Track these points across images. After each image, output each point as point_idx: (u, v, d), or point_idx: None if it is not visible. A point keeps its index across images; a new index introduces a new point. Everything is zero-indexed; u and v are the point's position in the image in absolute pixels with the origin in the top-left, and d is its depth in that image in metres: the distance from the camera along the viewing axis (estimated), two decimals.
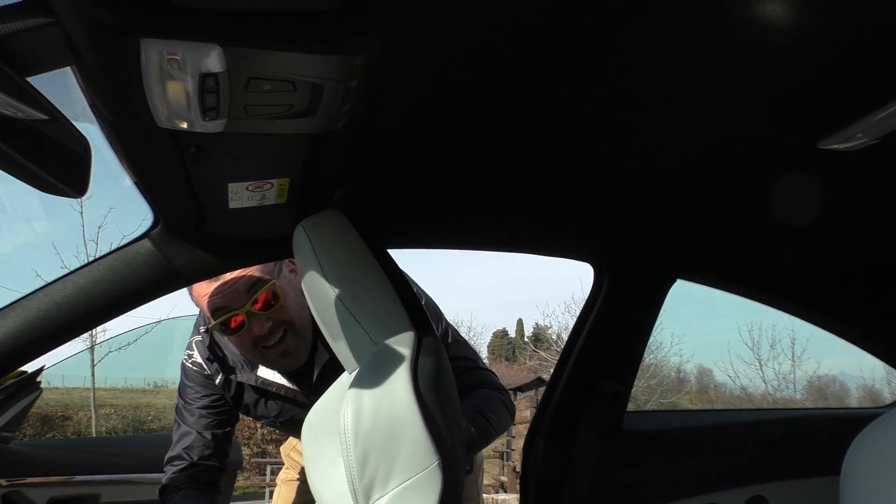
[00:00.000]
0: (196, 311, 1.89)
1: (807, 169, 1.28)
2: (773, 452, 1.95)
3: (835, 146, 1.11)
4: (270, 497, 10.07)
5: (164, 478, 1.83)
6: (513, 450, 12.84)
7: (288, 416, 1.92)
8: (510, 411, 1.85)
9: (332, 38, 0.74)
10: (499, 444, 14.76)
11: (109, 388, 19.21)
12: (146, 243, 1.33)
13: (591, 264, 1.84)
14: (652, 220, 1.62)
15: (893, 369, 2.15)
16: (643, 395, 19.81)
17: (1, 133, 0.75)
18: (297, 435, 1.90)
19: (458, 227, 1.62)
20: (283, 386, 1.86)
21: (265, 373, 1.85)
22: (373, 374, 1.07)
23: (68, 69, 0.81)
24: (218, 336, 1.84)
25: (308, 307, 1.76)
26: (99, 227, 17.27)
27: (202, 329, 1.88)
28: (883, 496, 1.04)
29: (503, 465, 13.45)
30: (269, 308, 1.69)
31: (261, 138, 0.93)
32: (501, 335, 46.35)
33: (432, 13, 0.85)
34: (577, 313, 1.91)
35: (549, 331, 27.86)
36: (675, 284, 1.87)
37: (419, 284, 1.86)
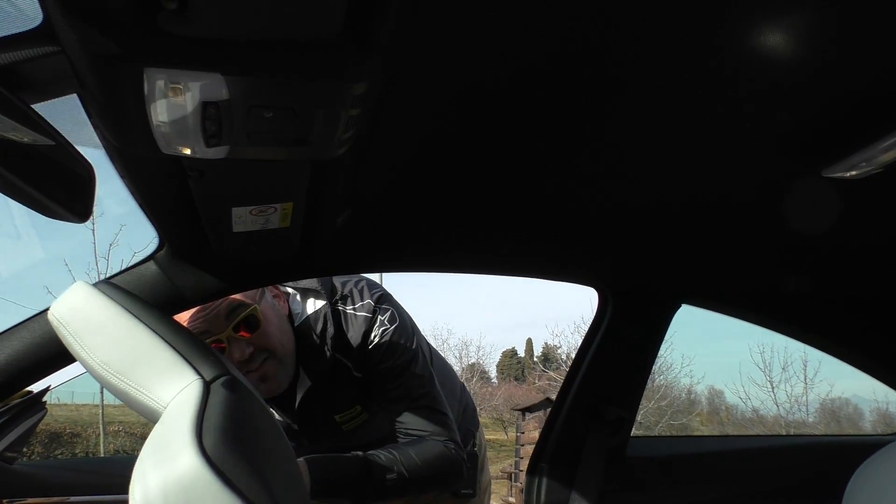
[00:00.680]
0: None
1: (811, 196, 1.28)
2: (780, 479, 1.93)
3: (839, 175, 1.11)
4: None
5: None
6: (521, 470, 12.72)
7: None
8: (451, 465, 1.76)
9: (333, 67, 0.75)
10: (507, 464, 14.65)
11: (118, 405, 19.18)
12: (151, 265, 1.34)
13: (595, 289, 1.84)
14: (657, 246, 1.61)
15: None
16: (653, 417, 19.65)
17: (5, 159, 0.76)
18: None
19: (463, 252, 1.62)
20: None
21: None
22: (155, 442, 0.93)
23: (74, 95, 0.82)
24: None
25: (290, 333, 1.76)
26: (110, 245, 17.37)
27: None
28: None
29: (511, 486, 13.34)
30: (250, 333, 1.66)
31: (264, 164, 0.94)
32: (511, 354, 46.17)
33: (435, 45, 0.86)
34: (589, 325, 1.90)
35: (559, 350, 27.74)
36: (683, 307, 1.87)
37: (396, 304, 1.84)
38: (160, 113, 0.77)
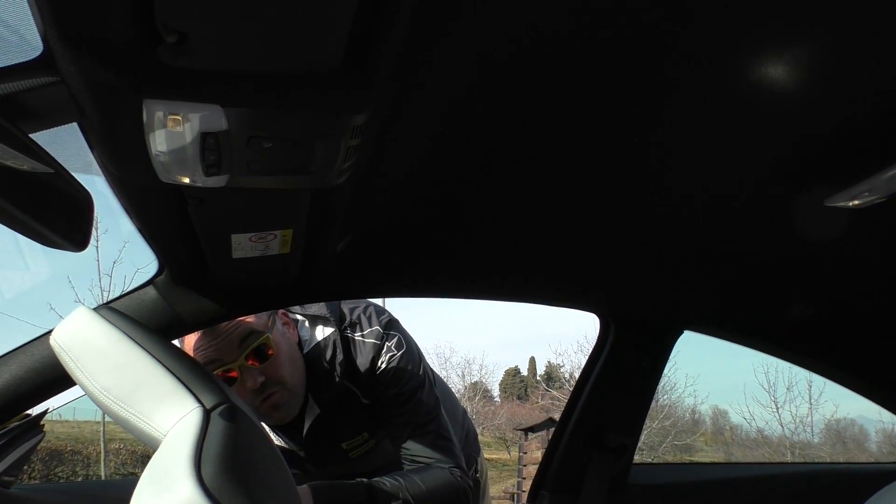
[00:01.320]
0: None
1: (813, 225, 1.27)
2: None
3: (841, 204, 1.10)
4: None
5: None
6: (523, 491, 12.65)
7: None
8: (457, 492, 1.74)
9: (332, 99, 0.74)
10: (509, 484, 14.56)
11: None
12: (151, 290, 1.34)
13: (597, 315, 1.83)
14: (658, 274, 1.61)
15: None
16: (657, 437, 19.54)
17: (2, 188, 0.76)
18: None
19: (464, 278, 1.61)
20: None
21: None
22: (154, 471, 0.92)
23: (74, 124, 0.82)
24: None
25: (301, 361, 1.76)
26: (114, 263, 17.43)
27: None
28: None
29: None
30: (262, 362, 1.65)
31: (264, 191, 0.94)
32: (513, 373, 45.98)
33: (435, 75, 0.86)
34: (591, 352, 1.89)
35: (562, 369, 27.65)
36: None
37: (402, 330, 1.84)
38: (159, 143, 0.77)
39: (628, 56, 0.85)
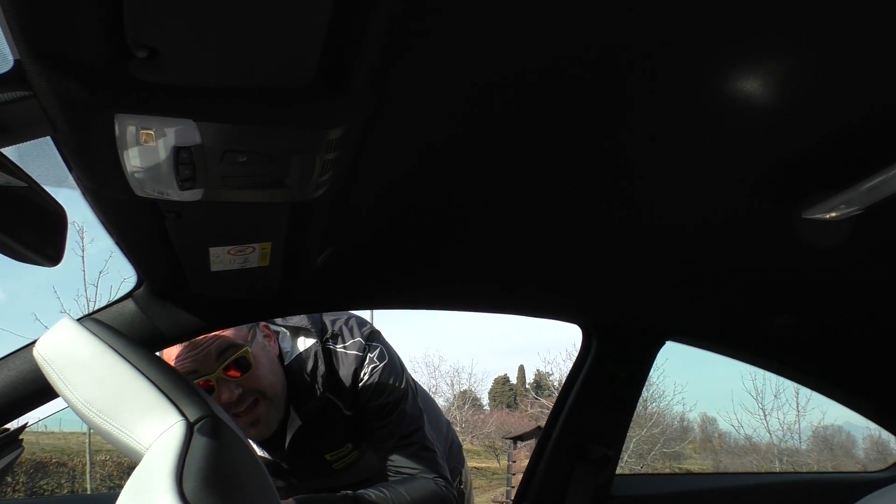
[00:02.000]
0: None
1: (792, 237, 1.28)
2: None
3: (818, 216, 1.11)
4: None
5: None
6: (511, 500, 12.61)
7: None
8: (441, 503, 1.74)
9: (307, 114, 0.74)
10: (498, 492, 14.51)
11: None
12: (129, 304, 1.33)
13: (579, 326, 1.83)
14: (640, 284, 1.61)
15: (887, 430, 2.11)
16: (646, 444, 19.54)
17: None
18: None
19: (446, 290, 1.61)
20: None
21: None
22: (136, 485, 0.91)
23: (48, 138, 0.82)
24: None
25: (281, 374, 1.75)
26: (100, 273, 17.33)
27: None
28: None
29: None
30: (241, 374, 1.63)
31: (240, 205, 0.93)
32: (503, 381, 45.88)
33: (412, 88, 0.86)
34: (573, 363, 1.89)
35: (551, 377, 27.61)
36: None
37: (384, 341, 1.83)
38: (133, 157, 0.76)
39: (606, 73, 0.85)
